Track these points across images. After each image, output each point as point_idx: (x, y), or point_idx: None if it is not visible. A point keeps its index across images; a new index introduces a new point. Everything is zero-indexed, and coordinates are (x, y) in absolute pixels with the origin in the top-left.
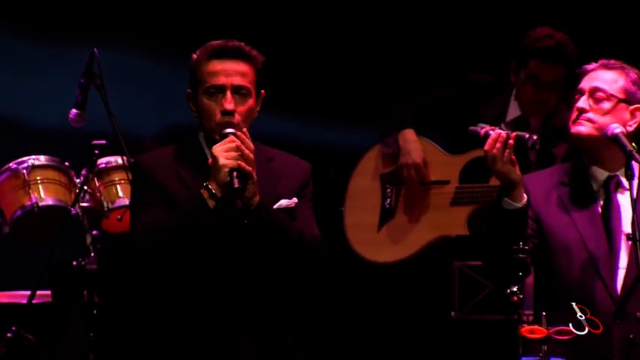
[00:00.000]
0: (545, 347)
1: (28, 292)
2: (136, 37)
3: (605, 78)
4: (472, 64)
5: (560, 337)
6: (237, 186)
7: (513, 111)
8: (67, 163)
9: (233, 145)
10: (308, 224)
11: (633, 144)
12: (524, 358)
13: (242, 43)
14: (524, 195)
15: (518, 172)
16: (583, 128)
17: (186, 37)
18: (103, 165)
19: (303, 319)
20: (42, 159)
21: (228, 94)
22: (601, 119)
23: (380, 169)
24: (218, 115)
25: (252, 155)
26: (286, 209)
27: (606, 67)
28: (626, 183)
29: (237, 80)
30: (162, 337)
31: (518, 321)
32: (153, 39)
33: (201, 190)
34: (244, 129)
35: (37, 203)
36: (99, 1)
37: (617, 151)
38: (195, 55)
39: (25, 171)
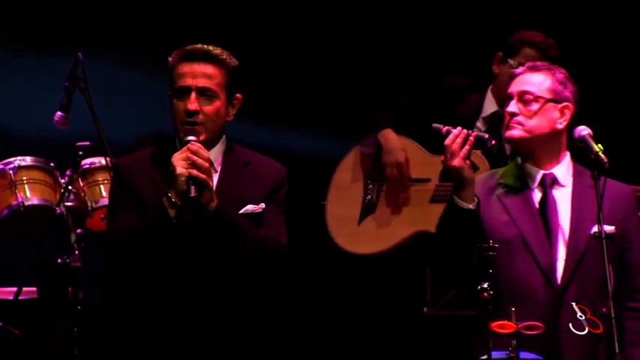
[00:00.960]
0: (515, 342)
1: (15, 289)
2: (121, 46)
3: (532, 80)
4: (447, 69)
5: (529, 332)
6: (193, 195)
7: (489, 106)
8: (52, 164)
9: (193, 148)
10: (274, 229)
11: (599, 145)
12: (494, 352)
13: (213, 47)
14: (475, 198)
15: (472, 173)
16: (515, 132)
17: (171, 45)
18: (87, 166)
19: (273, 318)
20: (28, 160)
21: (193, 95)
22: (530, 122)
23: (362, 165)
24: (182, 114)
25: (207, 164)
26: (252, 214)
27: (533, 69)
28: (562, 180)
29: (202, 82)
30: (134, 337)
31: (489, 316)
32: (138, 48)
33: (163, 199)
34: (202, 137)
35: (23, 203)
36: (84, 10)
37: (551, 150)
38: (170, 58)
39: (11, 171)
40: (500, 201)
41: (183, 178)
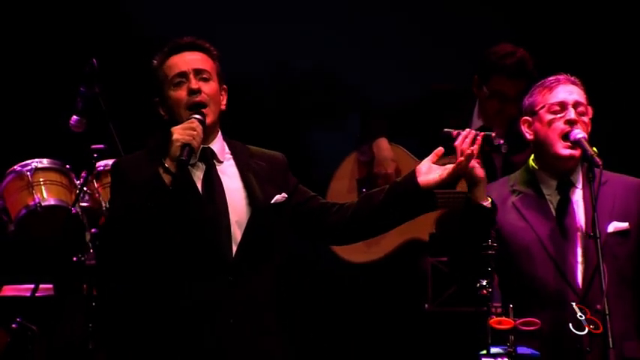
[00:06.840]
0: (512, 337)
1: (32, 286)
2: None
3: (579, 91)
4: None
5: (526, 328)
6: (184, 158)
7: (477, 122)
8: (68, 166)
9: (193, 125)
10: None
11: (594, 148)
12: (492, 347)
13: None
14: (489, 197)
15: (482, 171)
16: (585, 137)
17: None
18: (102, 167)
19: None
20: (45, 162)
21: (192, 76)
22: (587, 130)
23: (357, 173)
24: (186, 98)
25: (200, 139)
26: (281, 204)
27: (573, 82)
28: (577, 183)
29: (198, 64)
30: (139, 327)
31: (487, 313)
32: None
33: (159, 167)
34: (208, 118)
35: (40, 203)
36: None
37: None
38: (155, 61)
39: (28, 173)
40: (516, 207)
41: (178, 144)
